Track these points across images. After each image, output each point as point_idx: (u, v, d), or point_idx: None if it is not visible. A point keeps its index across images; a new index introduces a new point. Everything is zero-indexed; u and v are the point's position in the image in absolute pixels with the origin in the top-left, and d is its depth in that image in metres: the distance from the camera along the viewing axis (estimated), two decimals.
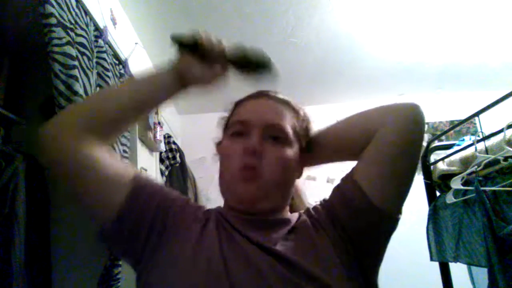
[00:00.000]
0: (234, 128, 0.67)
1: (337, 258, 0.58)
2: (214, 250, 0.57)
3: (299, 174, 0.71)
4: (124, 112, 0.65)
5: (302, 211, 0.70)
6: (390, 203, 0.61)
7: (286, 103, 0.69)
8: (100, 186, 0.59)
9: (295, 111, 0.70)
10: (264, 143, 0.63)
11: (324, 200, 0.68)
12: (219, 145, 0.73)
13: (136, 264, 0.62)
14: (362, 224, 0.60)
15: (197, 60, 0.66)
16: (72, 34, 1.09)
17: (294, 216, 0.67)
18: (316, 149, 0.71)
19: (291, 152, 0.65)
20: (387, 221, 0.61)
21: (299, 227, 0.64)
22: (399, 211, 0.62)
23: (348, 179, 0.64)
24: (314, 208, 0.68)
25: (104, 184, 0.59)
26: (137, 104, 0.66)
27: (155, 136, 1.80)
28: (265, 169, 0.62)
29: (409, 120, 0.61)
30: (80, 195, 0.61)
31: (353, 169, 0.65)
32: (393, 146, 0.60)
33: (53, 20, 1.00)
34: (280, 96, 0.71)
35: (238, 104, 0.73)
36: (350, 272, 0.57)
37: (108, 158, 0.61)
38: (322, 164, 0.74)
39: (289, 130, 0.66)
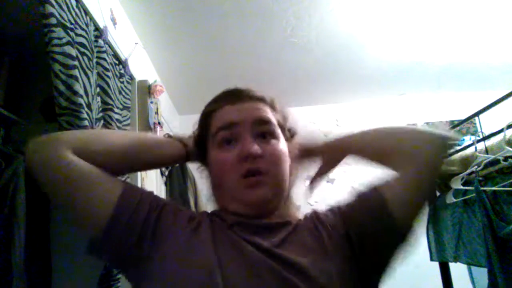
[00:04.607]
0: (220, 135, 0.64)
1: (342, 262, 0.58)
2: (209, 255, 0.56)
3: (295, 171, 0.70)
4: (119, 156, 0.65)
5: (304, 213, 0.69)
6: (410, 228, 0.64)
7: (262, 100, 0.67)
8: (89, 193, 0.58)
9: (272, 107, 0.68)
10: (257, 142, 0.62)
11: (338, 207, 0.67)
12: (201, 158, 0.72)
13: (130, 273, 0.60)
14: (380, 238, 0.61)
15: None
16: (72, 34, 1.09)
17: (294, 218, 0.67)
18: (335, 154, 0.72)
19: (282, 145, 0.66)
20: (404, 241, 0.63)
21: (300, 229, 0.63)
22: (413, 232, 0.65)
23: (376, 196, 0.62)
24: (322, 212, 0.67)
25: (94, 190, 0.58)
26: (135, 158, 0.67)
27: None
28: (268, 169, 0.61)
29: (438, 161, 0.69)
30: (68, 204, 0.60)
31: (380, 185, 0.64)
32: (424, 183, 0.66)
33: (53, 20, 1.00)
34: (254, 93, 0.68)
35: (210, 114, 0.69)
36: (351, 276, 0.58)
37: (95, 169, 0.60)
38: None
39: (275, 122, 0.66)
